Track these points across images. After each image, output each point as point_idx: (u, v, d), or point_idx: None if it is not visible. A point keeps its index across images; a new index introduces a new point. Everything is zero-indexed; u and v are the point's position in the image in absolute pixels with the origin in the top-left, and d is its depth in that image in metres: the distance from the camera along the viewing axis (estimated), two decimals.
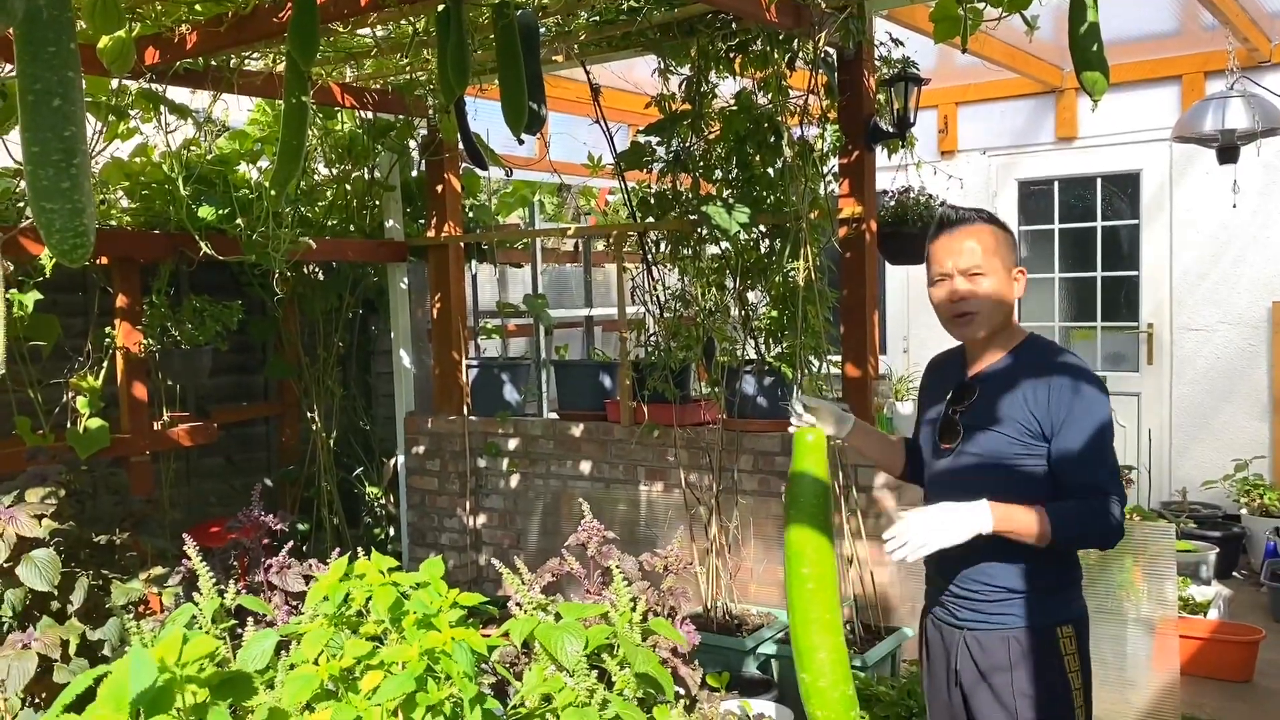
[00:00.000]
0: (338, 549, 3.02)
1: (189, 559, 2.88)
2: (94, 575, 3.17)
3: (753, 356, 4.85)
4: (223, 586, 2.57)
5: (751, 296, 4.76)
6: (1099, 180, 6.93)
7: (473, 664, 1.97)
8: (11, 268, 4.11)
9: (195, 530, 3.12)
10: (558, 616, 2.39)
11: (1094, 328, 7.01)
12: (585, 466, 5.47)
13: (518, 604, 2.40)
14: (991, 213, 2.54)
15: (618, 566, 2.44)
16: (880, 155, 4.74)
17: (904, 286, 6.91)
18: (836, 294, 4.51)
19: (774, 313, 4.51)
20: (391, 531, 6.31)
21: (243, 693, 1.48)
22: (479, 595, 2.13)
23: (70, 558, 3.24)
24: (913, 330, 6.61)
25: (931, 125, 7.46)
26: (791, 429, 2.62)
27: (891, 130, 4.52)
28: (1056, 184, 7.07)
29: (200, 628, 2.47)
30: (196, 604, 2.48)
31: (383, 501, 6.41)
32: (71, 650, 2.91)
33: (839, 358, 4.69)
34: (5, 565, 2.93)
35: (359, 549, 2.53)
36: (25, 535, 2.94)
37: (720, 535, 4.69)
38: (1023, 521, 2.28)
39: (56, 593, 2.98)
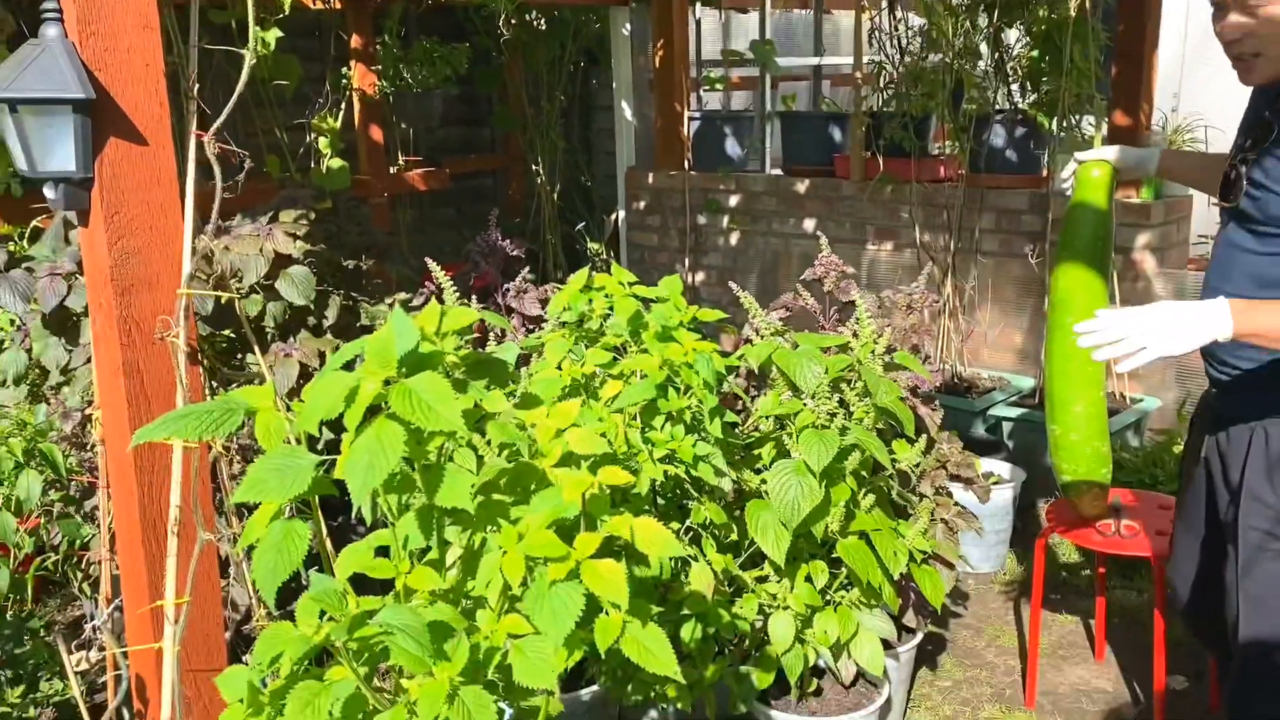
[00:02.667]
0: None
1: (432, 281, 2.96)
2: (345, 297, 3.32)
3: (1004, 105, 4.44)
4: (465, 302, 2.63)
5: (1007, 37, 4.30)
6: None
7: (714, 375, 1.92)
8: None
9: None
10: (794, 345, 2.31)
11: None
12: (809, 225, 5.29)
13: (754, 330, 2.33)
14: None
15: (860, 297, 2.31)
16: None
17: (1180, 27, 6.09)
18: (1109, 31, 4.01)
19: (1034, 53, 4.06)
20: None
21: (499, 375, 1.47)
22: (719, 311, 2.06)
23: (321, 279, 3.39)
24: (1185, 85, 5.88)
25: None
26: (1067, 171, 2.36)
27: None
28: None
29: None
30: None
31: (603, 257, 6.47)
32: (327, 362, 3.07)
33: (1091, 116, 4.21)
34: (265, 281, 3.09)
35: None
36: (282, 252, 3.07)
37: (955, 297, 4.47)
38: (1266, 320, 1.73)
39: (312, 308, 3.13)
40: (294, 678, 1.31)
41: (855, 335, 2.27)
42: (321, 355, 3.17)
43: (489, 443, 1.75)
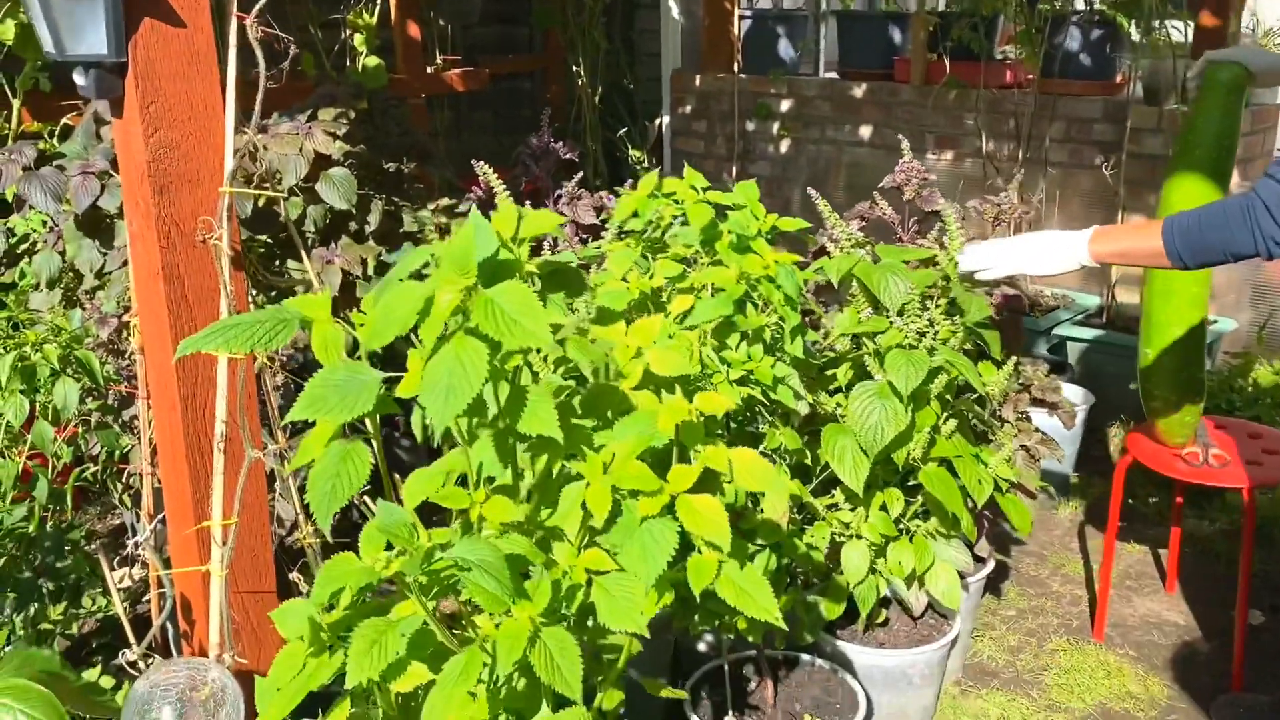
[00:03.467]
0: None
1: (479, 185, 2.80)
2: (386, 201, 3.18)
3: (1081, 6, 4.17)
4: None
5: None
6: None
7: (797, 290, 1.77)
8: None
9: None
10: (875, 259, 2.15)
11: None
12: (865, 132, 5.05)
13: (833, 241, 2.17)
14: None
15: (947, 207, 2.14)
16: None
17: None
18: None
19: None
20: None
21: (575, 286, 1.32)
22: (801, 220, 1.90)
23: (361, 182, 3.24)
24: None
25: None
26: (1194, 71, 2.16)
27: None
28: None
29: None
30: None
31: (645, 165, 6.26)
32: (370, 269, 2.94)
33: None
34: (305, 183, 2.94)
35: None
36: (321, 152, 2.92)
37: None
38: (1127, 241, 1.83)
39: (354, 212, 2.99)
40: (356, 613, 1.21)
41: (942, 248, 2.10)
42: (364, 262, 3.04)
43: (547, 360, 1.62)
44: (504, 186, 2.42)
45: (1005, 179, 4.26)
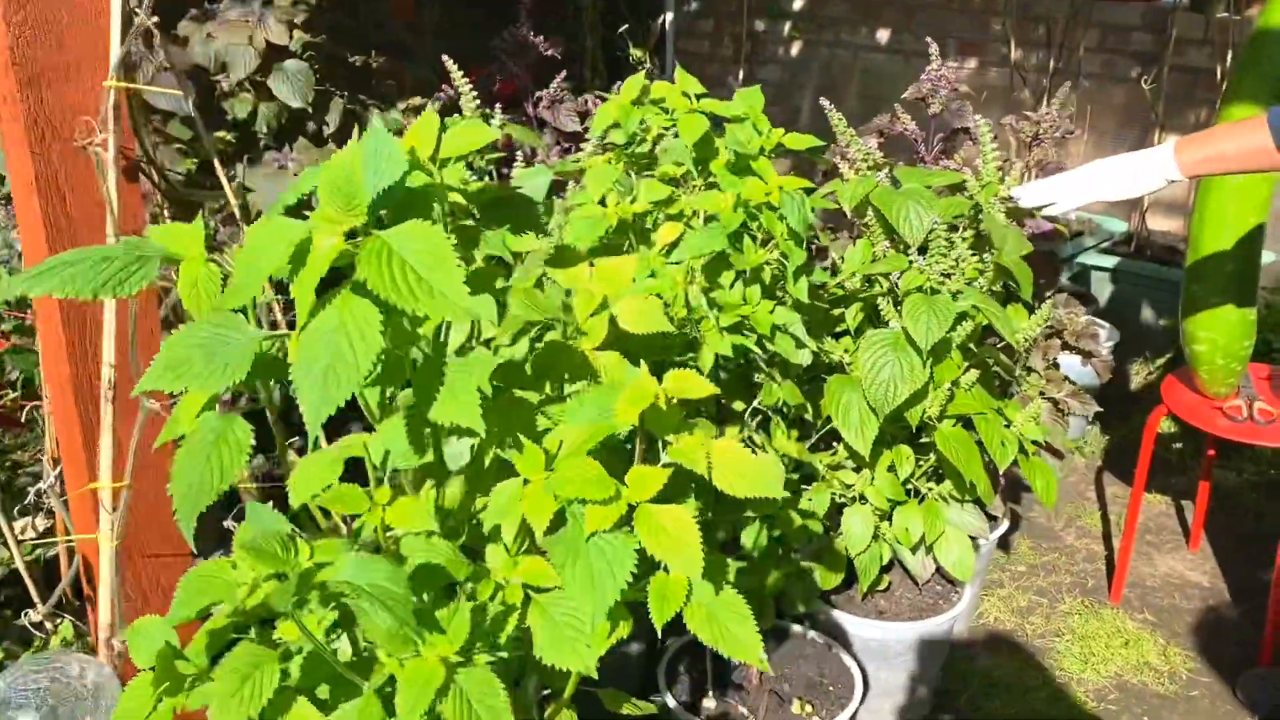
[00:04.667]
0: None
1: (449, 83, 2.50)
2: (349, 99, 2.86)
3: None
4: (487, 112, 2.17)
5: None
6: None
7: (803, 222, 1.48)
8: None
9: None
10: (895, 182, 1.86)
11: None
12: (883, 35, 4.68)
13: (847, 161, 1.87)
14: None
15: (983, 123, 1.83)
16: None
17: None
18: None
19: None
20: None
21: (524, 218, 1.05)
22: (811, 137, 1.61)
23: (324, 78, 2.92)
24: None
25: None
26: None
27: None
28: None
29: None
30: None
31: (647, 66, 5.88)
32: None
33: None
34: (256, 77, 2.63)
35: None
36: (275, 43, 2.60)
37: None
38: (1222, 143, 1.58)
39: (311, 111, 2.68)
40: (224, 632, 0.96)
41: (974, 173, 1.81)
42: None
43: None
44: (471, 87, 2.11)
45: (1033, 91, 3.92)
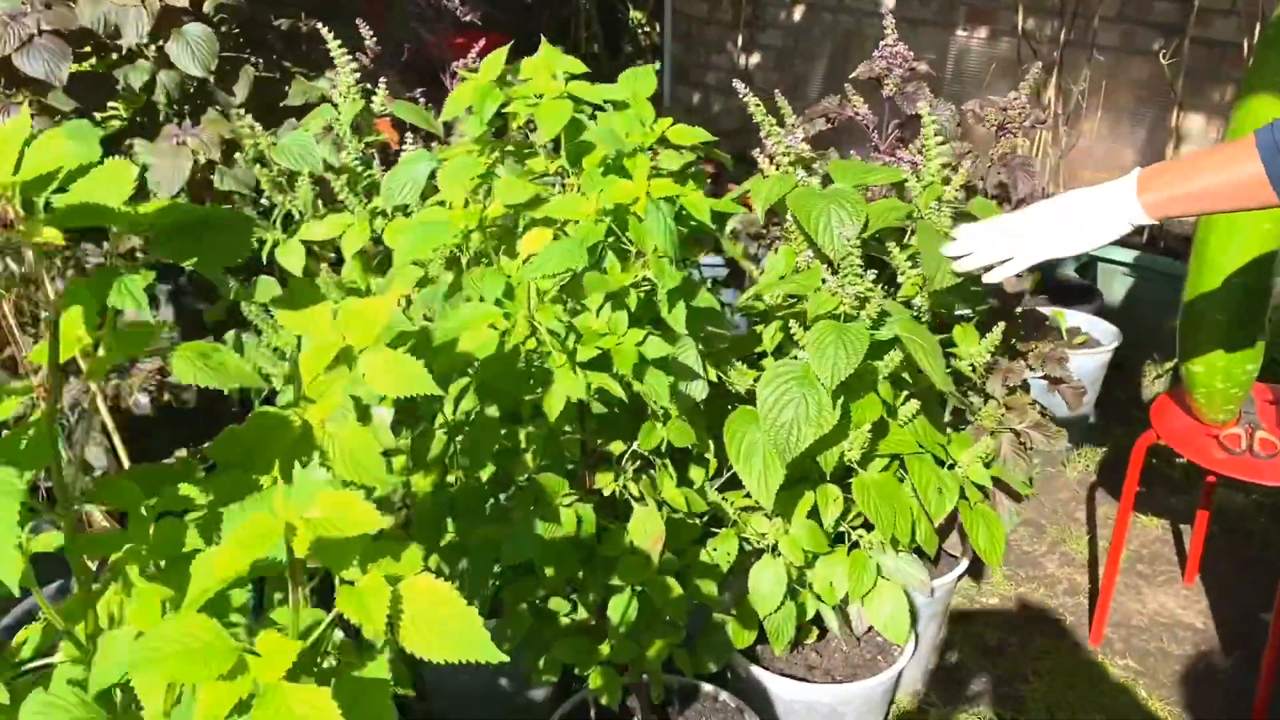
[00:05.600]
0: None
1: (364, 50, 2.24)
2: (270, 66, 2.61)
3: None
4: (368, 87, 1.91)
5: None
6: None
7: (671, 237, 1.21)
8: None
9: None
10: (826, 180, 1.58)
11: None
12: (888, 1, 4.35)
13: (768, 156, 1.59)
14: None
15: (929, 112, 1.55)
16: None
17: None
18: None
19: None
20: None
21: (228, 244, 0.80)
22: (700, 131, 1.34)
23: (246, 43, 2.68)
24: None
25: None
26: None
27: None
28: None
29: (344, 149, 1.85)
30: (336, 109, 1.84)
31: (646, 29, 5.58)
32: (249, 152, 2.40)
33: None
34: (157, 43, 2.38)
35: None
36: (174, 4, 2.35)
37: (1058, 102, 3.60)
38: (1201, 176, 1.24)
39: (210, 80, 2.44)
40: None
41: (915, 171, 1.53)
42: (229, 144, 2.48)
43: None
44: (357, 61, 1.88)
45: (1045, 64, 3.59)
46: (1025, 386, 1.91)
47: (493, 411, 1.31)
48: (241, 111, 2.44)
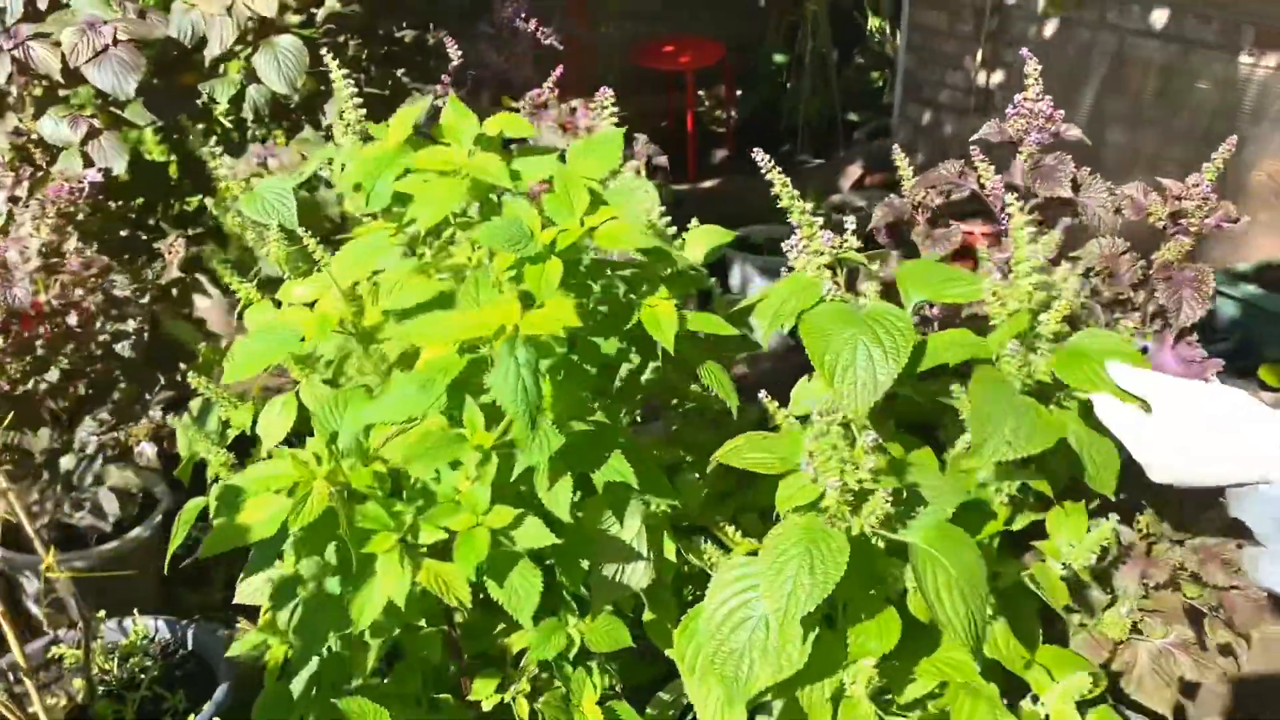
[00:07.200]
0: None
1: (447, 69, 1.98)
2: (373, 81, 2.42)
3: None
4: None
5: None
6: None
7: (522, 393, 0.83)
8: None
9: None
10: (890, 290, 1.14)
11: None
12: (1158, 17, 3.64)
13: (799, 254, 1.15)
14: None
15: (1061, 193, 1.06)
16: None
17: None
18: None
19: None
20: (887, 78, 5.03)
21: None
22: (647, 236, 0.93)
23: (359, 58, 2.50)
24: None
25: None
26: None
27: None
28: None
29: None
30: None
31: (879, 38, 5.07)
32: (336, 171, 2.24)
33: None
34: (245, 51, 2.23)
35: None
36: (263, 14, 2.18)
37: None
38: None
39: (301, 98, 2.26)
40: None
41: (994, 293, 1.06)
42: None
43: None
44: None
45: None
46: (1195, 578, 1.37)
47: (333, 586, 0.98)
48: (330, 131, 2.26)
